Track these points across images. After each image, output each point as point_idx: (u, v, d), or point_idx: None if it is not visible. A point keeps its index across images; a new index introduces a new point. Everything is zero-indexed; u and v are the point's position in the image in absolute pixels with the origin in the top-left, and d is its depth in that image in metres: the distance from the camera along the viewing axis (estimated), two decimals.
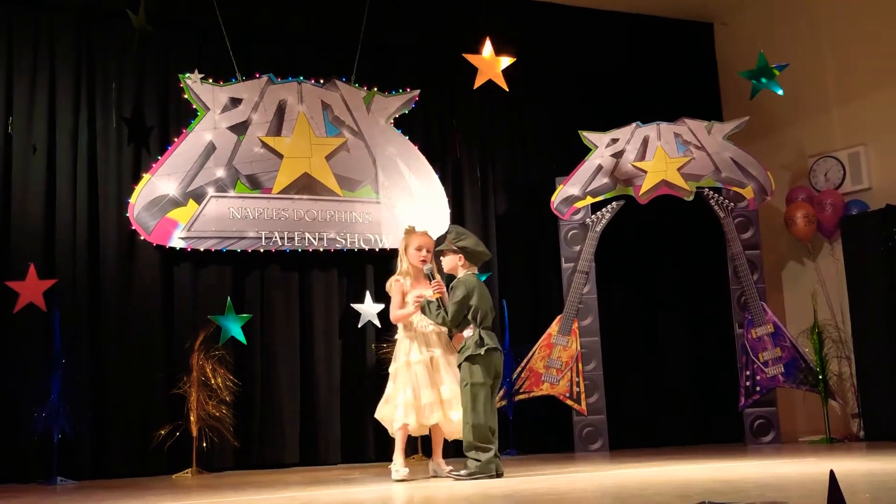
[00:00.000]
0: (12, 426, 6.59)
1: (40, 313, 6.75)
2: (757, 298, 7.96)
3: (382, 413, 5.50)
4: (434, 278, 5.37)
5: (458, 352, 5.21)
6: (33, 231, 6.97)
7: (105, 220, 7.19)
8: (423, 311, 5.35)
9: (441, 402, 5.33)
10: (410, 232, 5.64)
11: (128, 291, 7.19)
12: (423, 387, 5.32)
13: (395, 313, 5.53)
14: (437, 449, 5.53)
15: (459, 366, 5.19)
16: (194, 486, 5.89)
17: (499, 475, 5.02)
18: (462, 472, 5.04)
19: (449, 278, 5.65)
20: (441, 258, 5.51)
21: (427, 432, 5.62)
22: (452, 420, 5.30)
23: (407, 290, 5.50)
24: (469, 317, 5.19)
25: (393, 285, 5.55)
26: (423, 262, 5.49)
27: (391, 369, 5.53)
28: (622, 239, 8.57)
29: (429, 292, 5.38)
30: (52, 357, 6.61)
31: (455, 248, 5.34)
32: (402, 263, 5.59)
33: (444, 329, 5.40)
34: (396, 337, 5.59)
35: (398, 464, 5.30)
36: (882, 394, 7.53)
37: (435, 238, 5.75)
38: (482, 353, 5.09)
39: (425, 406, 5.30)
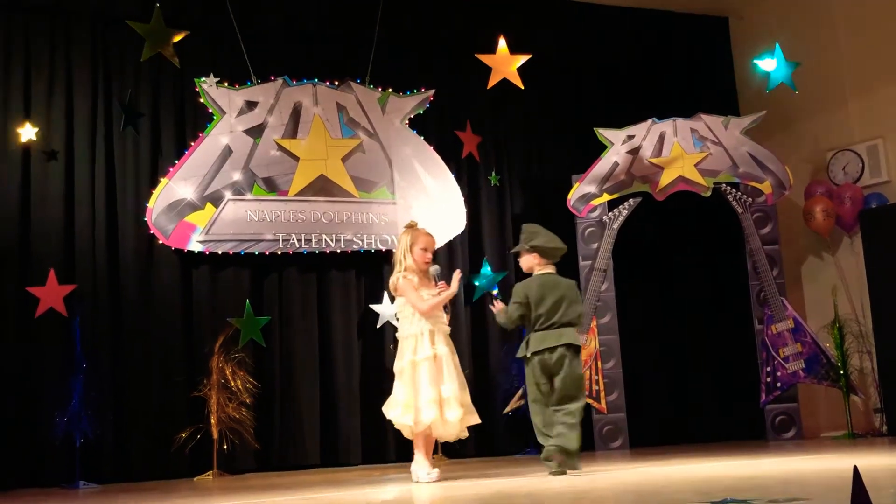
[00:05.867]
0: (35, 431, 6.65)
1: (61, 318, 6.80)
2: (776, 294, 7.92)
3: (392, 415, 5.31)
4: (440, 280, 5.34)
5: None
6: (53, 237, 7.02)
7: (124, 224, 7.23)
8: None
9: (440, 401, 5.15)
10: (414, 229, 5.43)
11: (147, 295, 7.23)
12: (424, 385, 5.14)
13: (426, 302, 5.23)
14: (429, 449, 5.35)
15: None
16: (216, 488, 5.92)
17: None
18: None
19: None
20: (518, 259, 5.53)
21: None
22: (448, 420, 5.14)
23: (416, 287, 5.27)
24: (531, 318, 5.21)
25: (402, 281, 5.27)
26: (428, 263, 5.36)
27: (396, 367, 5.30)
28: (640, 236, 8.54)
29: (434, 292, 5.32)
30: (72, 361, 6.66)
31: (529, 247, 5.35)
32: (407, 259, 5.32)
33: (448, 328, 5.35)
34: (399, 335, 5.36)
35: (425, 465, 5.16)
36: None
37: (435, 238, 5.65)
38: (528, 355, 5.18)
39: (423, 405, 5.12)
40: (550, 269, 5.38)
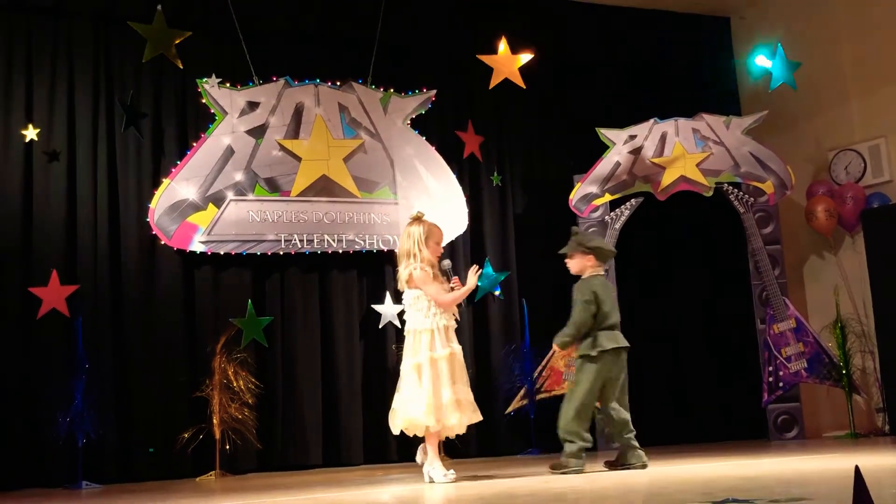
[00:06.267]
0: (37, 431, 6.65)
1: (63, 319, 6.82)
2: (778, 293, 7.92)
3: (415, 413, 5.05)
4: (454, 275, 5.20)
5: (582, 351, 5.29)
6: (55, 237, 7.03)
7: (126, 225, 7.24)
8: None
9: (457, 403, 5.04)
10: (424, 221, 5.26)
11: (149, 296, 7.23)
12: (445, 385, 5.02)
13: (448, 296, 5.11)
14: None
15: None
16: (218, 488, 5.93)
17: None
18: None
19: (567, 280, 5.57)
20: (567, 260, 5.47)
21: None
22: (462, 422, 5.07)
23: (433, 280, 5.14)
24: (597, 318, 5.22)
25: (420, 273, 5.11)
26: (439, 257, 5.24)
27: (411, 363, 5.11)
28: (642, 236, 8.54)
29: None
30: (75, 362, 6.67)
31: (587, 248, 5.33)
32: (422, 252, 5.16)
33: (454, 325, 5.19)
34: (412, 329, 5.18)
35: (440, 465, 5.05)
36: None
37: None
38: (594, 354, 5.17)
39: (446, 405, 4.99)
40: (602, 272, 5.38)
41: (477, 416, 5.19)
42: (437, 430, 5.08)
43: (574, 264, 5.42)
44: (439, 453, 5.24)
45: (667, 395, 8.70)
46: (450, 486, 4.84)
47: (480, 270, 5.29)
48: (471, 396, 5.19)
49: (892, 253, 7.66)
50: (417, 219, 5.30)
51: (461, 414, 5.05)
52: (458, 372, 5.12)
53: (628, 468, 5.16)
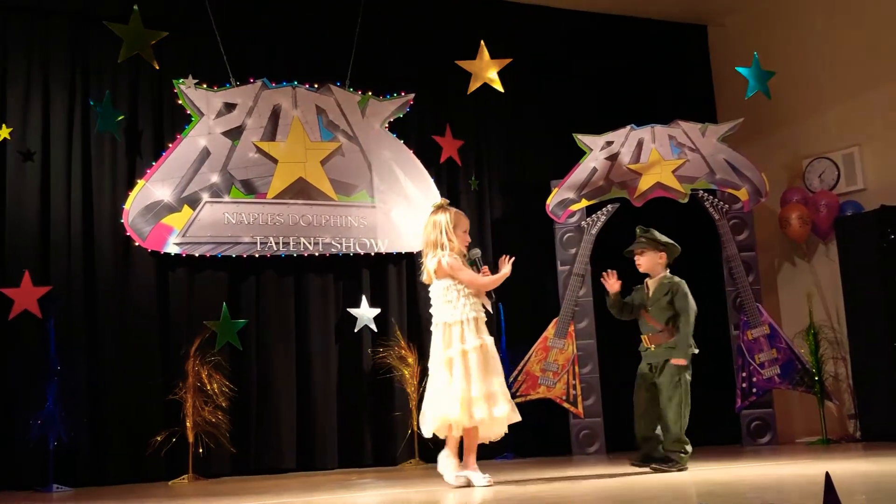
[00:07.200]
0: (8, 433, 6.57)
1: (35, 320, 6.74)
2: (752, 300, 7.96)
3: (450, 413, 4.80)
4: (483, 265, 5.04)
5: (671, 349, 5.29)
6: (28, 238, 6.95)
7: (100, 226, 7.18)
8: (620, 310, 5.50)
9: (488, 396, 4.80)
10: (449, 209, 5.05)
11: (123, 298, 7.17)
12: (476, 379, 4.79)
13: (484, 279, 4.97)
14: (470, 452, 4.96)
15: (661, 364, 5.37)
16: (191, 492, 5.88)
17: None
18: (669, 464, 5.16)
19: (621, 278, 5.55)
20: (637, 257, 5.38)
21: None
22: (495, 416, 4.80)
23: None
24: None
25: (451, 260, 4.92)
26: (467, 246, 5.07)
27: (441, 359, 4.89)
28: (618, 241, 8.54)
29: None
30: (47, 364, 6.60)
31: (661, 244, 5.28)
32: (453, 241, 4.96)
33: (485, 317, 5.00)
34: (442, 321, 4.96)
35: (476, 467, 4.88)
36: (878, 394, 7.54)
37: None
38: (696, 351, 5.27)
39: (475, 399, 4.76)
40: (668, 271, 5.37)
41: (515, 416, 4.94)
42: (464, 429, 4.86)
43: (645, 261, 5.39)
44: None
45: None
46: (425, 489, 4.83)
47: (513, 258, 5.09)
48: (506, 390, 4.93)
49: (865, 261, 7.74)
50: (442, 207, 5.07)
51: (488, 406, 4.77)
52: (490, 364, 4.88)
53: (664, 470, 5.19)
